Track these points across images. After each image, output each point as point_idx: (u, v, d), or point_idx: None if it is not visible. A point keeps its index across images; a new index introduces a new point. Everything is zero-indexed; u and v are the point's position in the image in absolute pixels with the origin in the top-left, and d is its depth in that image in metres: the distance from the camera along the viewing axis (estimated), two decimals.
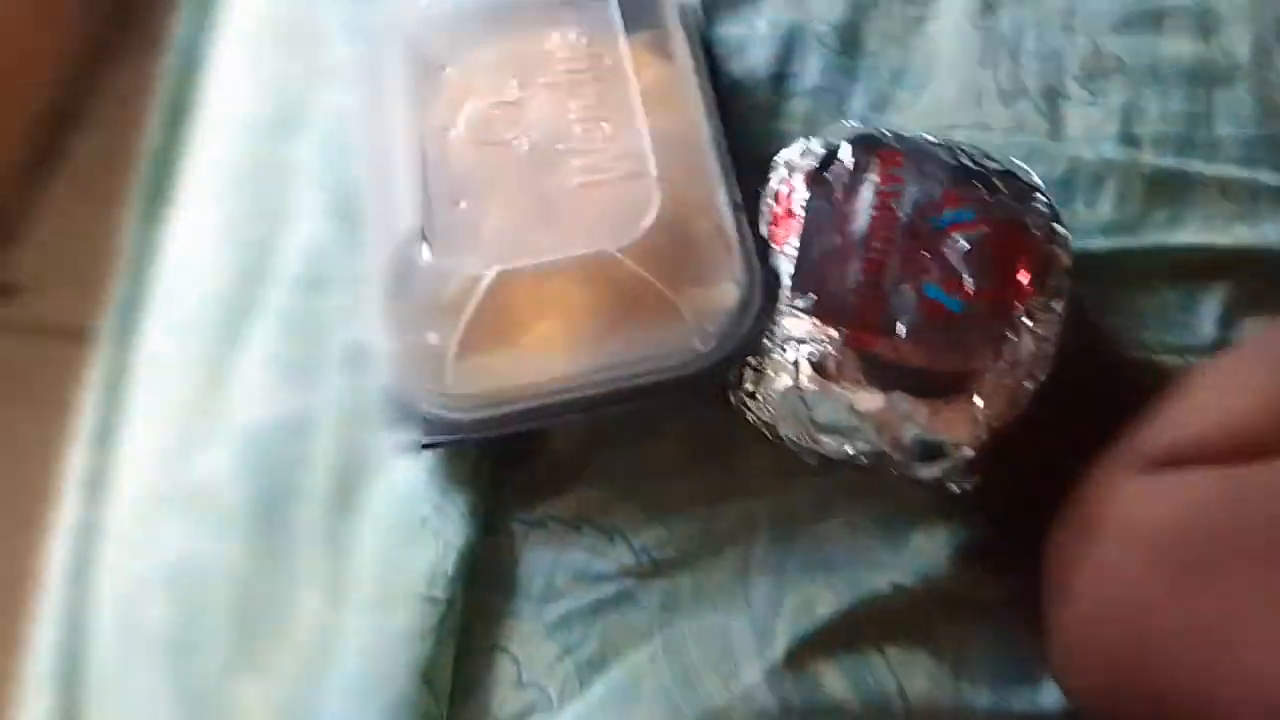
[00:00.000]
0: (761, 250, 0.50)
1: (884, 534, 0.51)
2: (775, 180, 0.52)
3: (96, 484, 0.58)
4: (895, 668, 0.48)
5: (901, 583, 0.50)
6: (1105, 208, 0.57)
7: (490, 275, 0.47)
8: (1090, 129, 0.59)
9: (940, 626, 0.50)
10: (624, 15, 0.55)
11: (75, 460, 0.60)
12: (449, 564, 0.50)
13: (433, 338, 0.48)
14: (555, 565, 0.51)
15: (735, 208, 0.51)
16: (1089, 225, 0.56)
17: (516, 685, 0.49)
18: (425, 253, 0.49)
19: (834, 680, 0.48)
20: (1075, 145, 0.59)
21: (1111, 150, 0.58)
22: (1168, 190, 0.58)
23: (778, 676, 0.48)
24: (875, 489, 0.52)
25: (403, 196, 0.51)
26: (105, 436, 0.60)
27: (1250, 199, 0.57)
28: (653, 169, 0.50)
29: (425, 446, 0.50)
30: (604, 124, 0.52)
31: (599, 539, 0.51)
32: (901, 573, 0.50)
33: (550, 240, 0.49)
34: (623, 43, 0.54)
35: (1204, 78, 0.60)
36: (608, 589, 0.50)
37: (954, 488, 0.50)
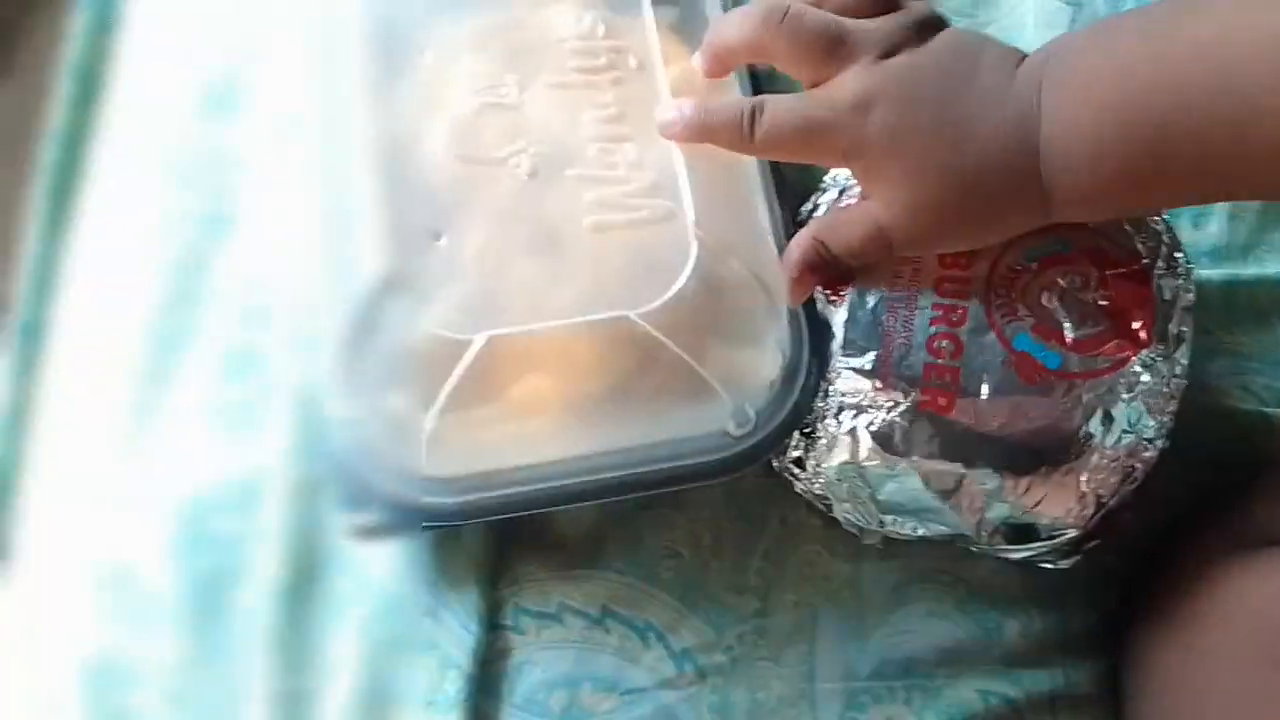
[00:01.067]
0: (809, 301, 0.41)
1: (970, 625, 0.43)
2: (823, 204, 0.42)
3: None
4: None
5: (995, 690, 0.42)
6: (1214, 229, 0.48)
7: (480, 342, 0.37)
8: None
9: None
10: None
11: None
12: (449, 683, 0.41)
13: (405, 409, 0.38)
14: (577, 674, 0.42)
15: (780, 247, 0.41)
16: (1194, 250, 0.47)
17: None
18: (397, 307, 0.38)
19: None
20: None
21: None
22: None
23: None
24: (956, 569, 0.43)
25: (365, 225, 0.40)
26: (4, 494, 0.50)
27: None
28: (689, 209, 0.39)
29: (386, 534, 0.40)
30: (627, 144, 0.41)
31: (629, 639, 0.42)
32: (995, 678, 0.42)
33: (555, 293, 0.39)
34: (651, 29, 0.43)
35: None
36: (644, 708, 0.41)
37: (1049, 566, 0.41)
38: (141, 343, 0.49)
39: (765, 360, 0.39)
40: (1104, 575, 0.43)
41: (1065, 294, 0.38)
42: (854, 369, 0.38)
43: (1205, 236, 0.48)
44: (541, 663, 0.42)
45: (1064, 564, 0.41)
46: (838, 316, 0.39)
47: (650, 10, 0.43)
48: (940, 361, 0.38)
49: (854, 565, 0.43)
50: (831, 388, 0.39)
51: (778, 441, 0.39)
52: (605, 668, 0.42)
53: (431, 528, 0.41)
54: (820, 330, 0.40)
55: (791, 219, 0.42)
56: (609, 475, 0.39)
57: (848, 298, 0.39)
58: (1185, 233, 0.47)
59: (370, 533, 0.40)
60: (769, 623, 0.43)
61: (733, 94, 0.44)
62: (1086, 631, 0.44)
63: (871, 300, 0.39)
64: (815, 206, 0.43)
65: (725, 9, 0.45)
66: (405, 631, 0.43)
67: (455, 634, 0.42)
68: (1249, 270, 0.47)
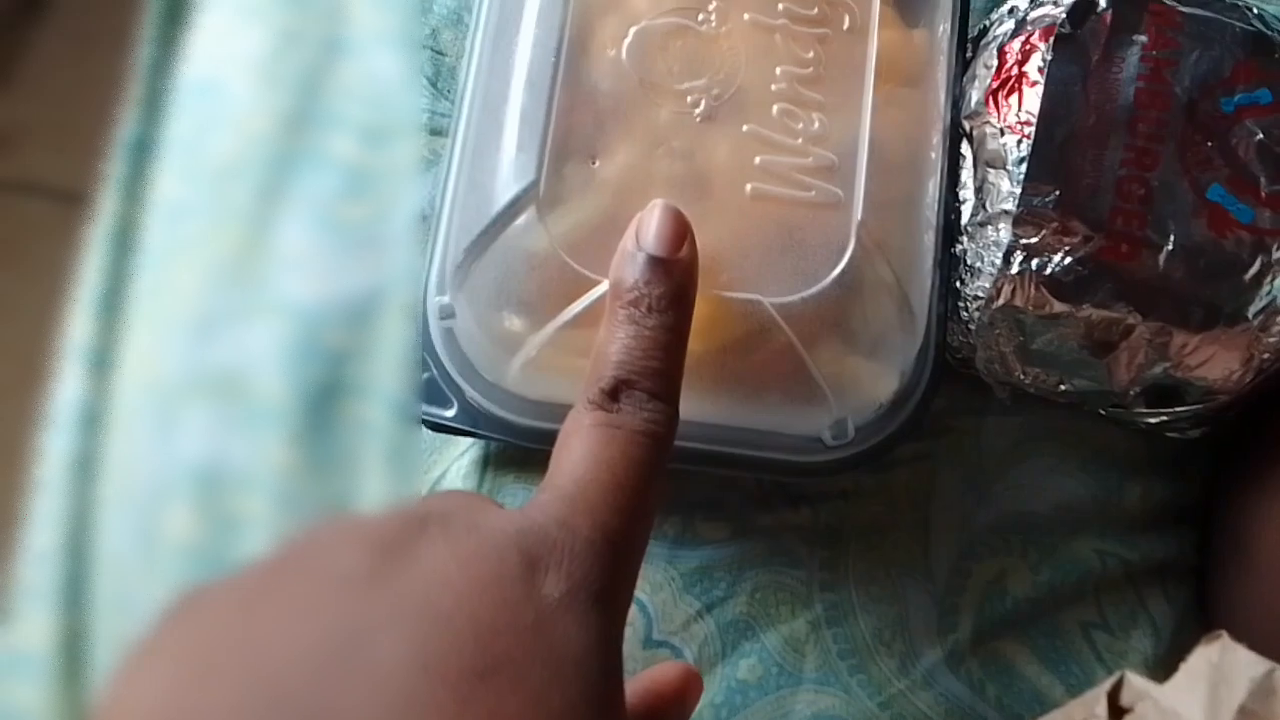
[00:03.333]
0: (942, 325, 0.38)
1: (1091, 487, 0.42)
2: (999, 35, 0.40)
3: (102, 360, 0.48)
4: (1104, 655, 0.40)
5: (1111, 551, 0.41)
6: None
7: (603, 287, 0.34)
8: None
9: (1155, 605, 0.41)
10: None
11: (75, 329, 0.49)
12: None
13: (512, 324, 0.36)
14: (691, 502, 0.42)
15: (937, 265, 0.38)
16: None
17: (645, 642, 0.40)
18: (533, 222, 0.36)
19: (1032, 669, 0.41)
20: None
21: None
22: None
23: (961, 659, 0.40)
24: (1081, 430, 0.43)
25: (522, 125, 0.37)
26: (113, 303, 0.49)
27: None
28: (858, 206, 0.36)
29: (462, 433, 0.39)
30: (814, 114, 0.37)
31: (744, 479, 0.42)
32: (1112, 539, 0.42)
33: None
34: None
35: None
36: (760, 541, 0.41)
37: (1176, 435, 0.41)
38: (256, 157, 0.47)
39: (884, 379, 0.38)
40: (1226, 452, 0.43)
41: (1263, 146, 0.36)
42: (1033, 207, 0.37)
43: None
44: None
45: (1193, 434, 0.41)
46: (1019, 149, 0.37)
47: None
48: (1128, 206, 0.36)
49: (977, 419, 0.43)
50: (1002, 224, 0.37)
51: (865, 461, 0.38)
52: (720, 500, 0.42)
53: (502, 442, 0.40)
54: (944, 369, 0.38)
55: (951, 243, 0.39)
56: (690, 444, 0.37)
57: (1034, 130, 0.37)
58: None
59: (443, 429, 0.39)
60: (887, 473, 0.42)
61: (938, 86, 0.40)
62: (1203, 504, 0.43)
63: (1059, 135, 0.37)
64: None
65: None
66: (523, 450, 0.42)
67: None
68: None
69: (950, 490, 0.43)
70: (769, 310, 0.35)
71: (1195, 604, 0.42)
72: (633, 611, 0.41)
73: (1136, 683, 0.32)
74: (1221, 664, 0.31)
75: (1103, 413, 0.41)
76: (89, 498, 0.46)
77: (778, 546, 0.42)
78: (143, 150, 0.50)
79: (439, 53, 0.47)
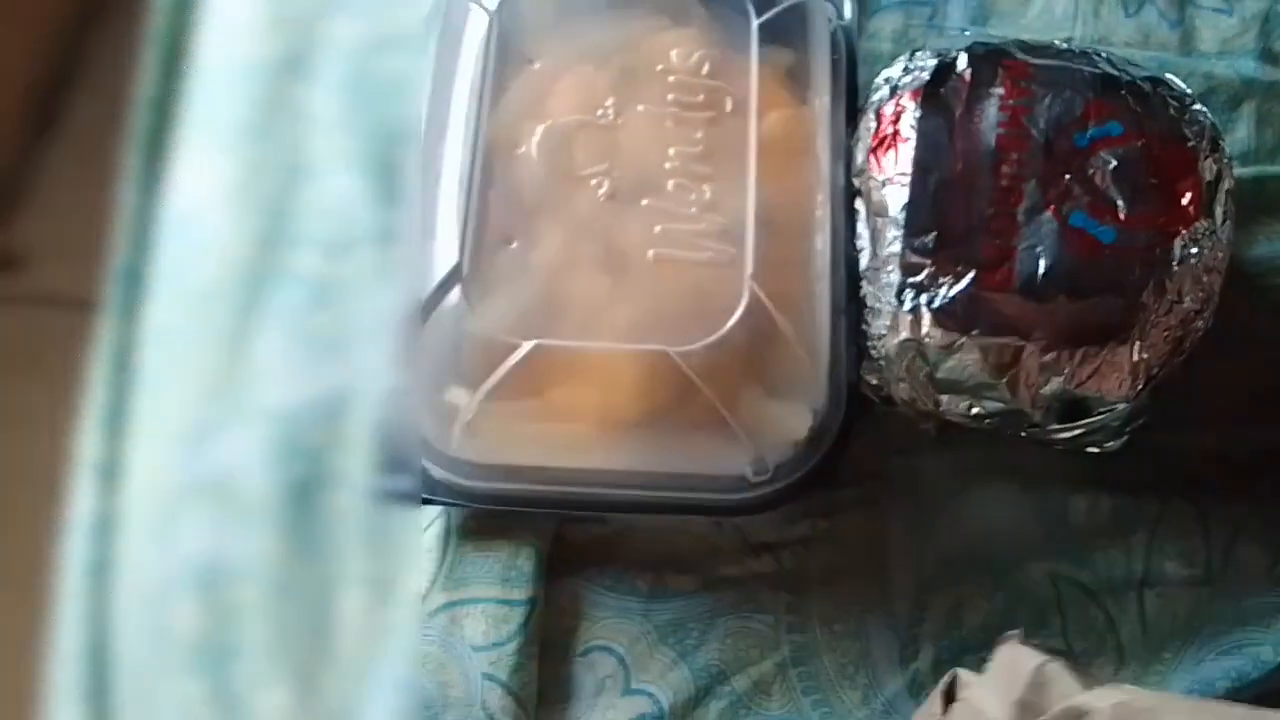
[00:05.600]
0: (853, 367, 0.42)
1: (1035, 510, 0.45)
2: (875, 100, 0.44)
3: (111, 471, 0.52)
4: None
5: (1063, 573, 0.44)
6: (1242, 133, 0.50)
7: (526, 348, 0.39)
8: (1225, 41, 0.52)
9: (1125, 624, 0.43)
10: (763, 32, 0.44)
11: (86, 445, 0.54)
12: (525, 559, 0.44)
13: (450, 393, 0.41)
14: (661, 555, 0.44)
15: (835, 311, 0.42)
16: None
17: (624, 690, 0.43)
18: (458, 297, 0.40)
19: None
20: (1209, 60, 0.51)
21: (1250, 67, 0.51)
22: None
23: (922, 686, 0.42)
24: (1012, 457, 0.45)
25: (446, 218, 0.42)
26: (116, 418, 0.53)
27: None
28: (749, 261, 0.40)
29: (419, 502, 0.43)
30: (705, 185, 0.42)
31: (710, 528, 0.45)
32: (1062, 559, 0.44)
33: (608, 313, 0.40)
34: (754, 77, 0.43)
35: None
36: (727, 590, 0.44)
37: (1095, 449, 0.43)
38: (234, 279, 0.52)
39: (796, 418, 0.41)
40: (1158, 455, 0.45)
41: (1116, 172, 0.40)
42: (915, 249, 0.40)
43: (1235, 141, 0.49)
44: (624, 547, 0.45)
45: (1111, 445, 0.43)
46: (899, 198, 0.41)
47: (756, 53, 0.44)
48: (998, 241, 0.40)
49: (912, 458, 0.46)
50: (892, 267, 0.41)
51: (792, 496, 0.41)
52: (686, 552, 0.45)
53: (451, 504, 0.44)
54: (855, 403, 0.41)
55: (854, 294, 0.42)
56: (624, 492, 0.41)
57: (909, 180, 0.41)
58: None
59: (401, 498, 0.43)
60: (838, 516, 0.45)
61: (824, 151, 0.44)
62: (1162, 512, 0.45)
63: (932, 183, 0.41)
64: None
65: (836, 63, 0.46)
66: (484, 523, 0.45)
67: (535, 524, 0.44)
68: (1277, 167, 0.49)
69: (899, 529, 0.45)
70: (674, 359, 0.38)
71: (1171, 617, 0.44)
72: (612, 663, 0.43)
73: (964, 676, 0.35)
74: (1010, 660, 0.34)
75: (1024, 435, 0.43)
76: (106, 600, 0.49)
77: (745, 594, 0.44)
78: (133, 278, 0.55)
79: (391, 167, 0.52)
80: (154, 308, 0.54)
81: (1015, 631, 0.37)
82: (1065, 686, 0.34)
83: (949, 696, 0.35)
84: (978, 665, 0.42)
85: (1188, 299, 0.39)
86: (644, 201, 0.41)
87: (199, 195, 0.55)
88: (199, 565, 0.48)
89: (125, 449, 0.52)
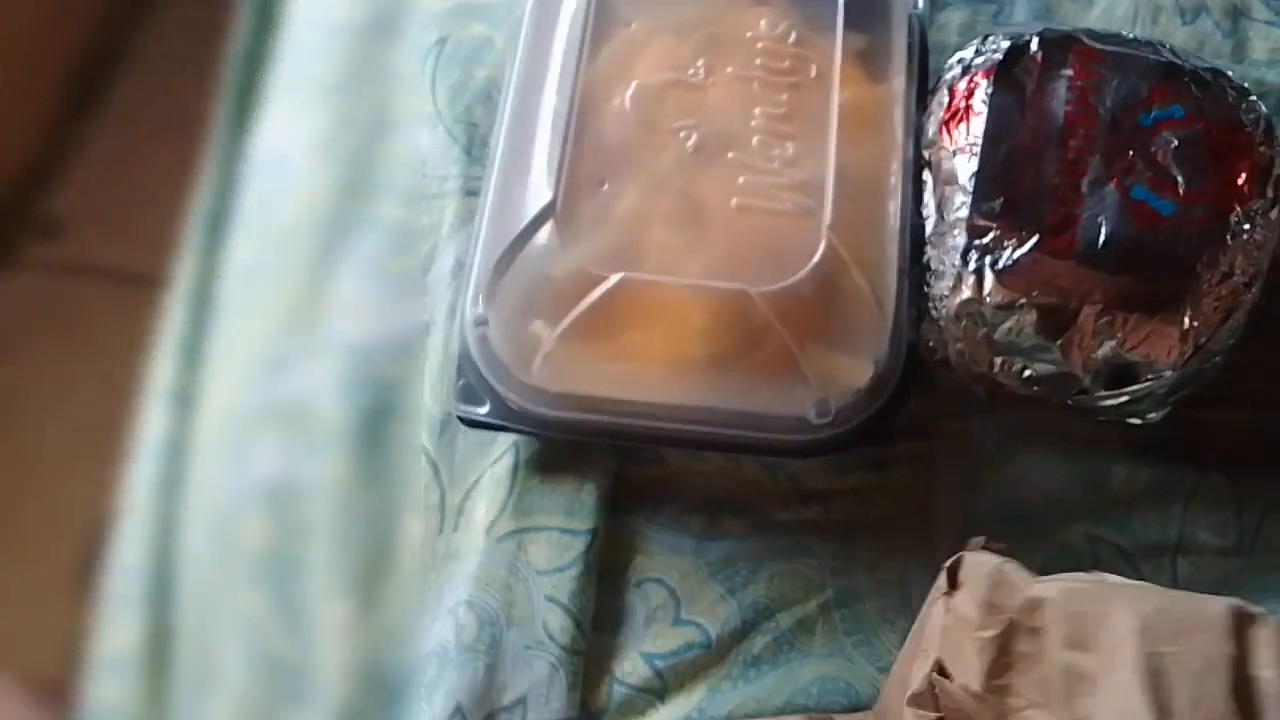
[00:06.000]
0: (913, 327, 0.44)
1: (1078, 476, 0.47)
2: (948, 78, 0.47)
3: (185, 397, 0.55)
4: None
5: (1103, 537, 0.46)
6: None
7: (613, 281, 0.41)
8: (1275, 51, 0.54)
9: (1149, 579, 0.45)
10: (847, 11, 0.47)
11: (160, 372, 0.56)
12: (588, 492, 0.46)
13: (534, 325, 0.43)
14: (716, 498, 0.46)
15: (901, 273, 0.44)
16: None
17: (674, 622, 0.45)
18: (549, 234, 0.43)
19: None
20: (1260, 68, 0.54)
21: None
22: None
23: None
24: (1059, 425, 0.47)
25: (542, 159, 0.44)
26: (192, 349, 0.56)
27: None
28: (827, 212, 0.43)
29: (494, 428, 0.45)
30: (788, 143, 0.44)
31: (762, 474, 0.47)
32: (1102, 524, 0.46)
33: (689, 257, 0.43)
34: (838, 49, 0.46)
35: None
36: (778, 535, 0.46)
37: (1138, 420, 0.45)
38: (316, 222, 0.55)
39: (859, 367, 0.43)
40: (1197, 430, 0.47)
41: (1177, 151, 0.42)
42: (983, 213, 0.43)
43: None
44: (681, 485, 0.47)
45: (1153, 416, 0.45)
46: (969, 166, 0.43)
47: (841, 31, 0.47)
48: (1063, 209, 0.42)
49: (964, 420, 0.48)
50: (958, 230, 0.43)
51: (849, 442, 0.43)
52: (743, 497, 0.47)
53: (527, 433, 0.46)
54: (914, 361, 0.44)
55: (917, 259, 0.45)
56: (690, 428, 0.43)
57: (979, 149, 0.43)
58: None
59: (475, 423, 0.45)
60: (889, 472, 0.47)
61: (897, 127, 0.46)
62: (1198, 485, 0.47)
63: (1002, 152, 0.43)
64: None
65: (911, 47, 0.49)
66: (549, 457, 0.47)
67: (594, 451, 0.46)
68: None
69: (947, 486, 0.47)
70: (753, 298, 0.41)
71: (1202, 582, 0.45)
72: (664, 595, 0.45)
73: (968, 559, 0.38)
74: (972, 565, 0.36)
75: (1070, 403, 0.45)
76: (173, 517, 0.52)
77: (794, 539, 0.46)
78: (217, 220, 0.57)
79: (473, 125, 0.54)
80: (236, 246, 0.57)
81: (978, 539, 0.39)
82: (1021, 582, 0.37)
83: (952, 578, 0.38)
84: None
85: (1238, 273, 0.41)
86: (729, 154, 0.44)
87: (286, 144, 0.58)
88: (269, 485, 0.50)
89: (201, 376, 0.55)
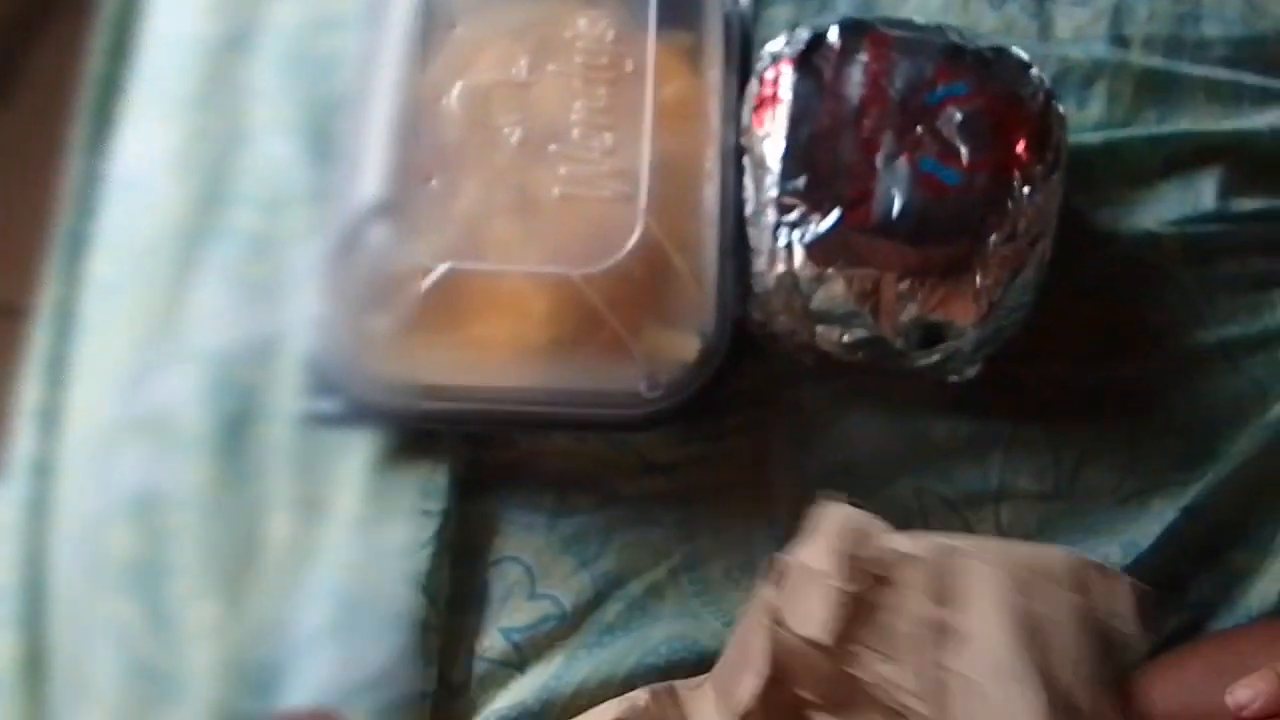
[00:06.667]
0: (740, 300, 0.47)
1: (902, 434, 0.50)
2: (759, 69, 0.50)
3: (49, 417, 0.55)
4: None
5: (928, 488, 0.49)
6: (1095, 108, 0.56)
7: (442, 269, 0.44)
8: (1079, 29, 0.58)
9: (984, 532, 0.48)
10: (662, 12, 0.50)
11: (26, 395, 0.57)
12: (441, 475, 0.48)
13: (373, 320, 0.45)
14: (566, 476, 0.49)
15: (723, 253, 0.47)
16: (1080, 125, 0.55)
17: (530, 596, 0.47)
18: (382, 229, 0.45)
19: None
20: (1065, 46, 0.57)
21: (1101, 51, 0.57)
22: (1156, 91, 0.57)
23: None
24: (883, 387, 0.50)
25: (374, 159, 0.47)
26: (56, 369, 0.56)
27: (1234, 99, 0.57)
28: (643, 197, 0.45)
29: (345, 424, 0.47)
30: (606, 134, 0.47)
31: (608, 450, 0.49)
32: (925, 475, 0.49)
33: (523, 247, 0.45)
34: (651, 46, 0.49)
35: None
36: (625, 507, 0.48)
37: (955, 378, 0.48)
38: (174, 236, 0.56)
39: (686, 343, 0.46)
40: (1012, 385, 0.50)
41: (961, 125, 0.45)
42: (789, 191, 0.45)
43: (1089, 115, 0.55)
44: (531, 468, 0.49)
45: (970, 372, 0.48)
46: (777, 149, 0.46)
47: (654, 29, 0.49)
48: (860, 184, 0.45)
49: (794, 389, 0.50)
50: (770, 209, 0.46)
51: (682, 413, 0.46)
52: (589, 473, 0.49)
53: (374, 425, 0.48)
54: (741, 335, 0.47)
55: (741, 235, 0.47)
56: (533, 409, 0.46)
57: (784, 133, 0.46)
58: (1071, 112, 0.54)
59: (328, 420, 0.47)
60: (725, 439, 0.50)
61: (714, 116, 0.49)
62: (1015, 435, 0.50)
63: (803, 135, 0.46)
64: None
65: (731, 41, 0.52)
66: (404, 445, 0.49)
67: (447, 439, 0.48)
68: (1129, 134, 0.55)
69: (781, 451, 0.50)
70: (576, 281, 0.43)
71: (1024, 527, 0.48)
72: (519, 571, 0.47)
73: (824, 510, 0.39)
74: (829, 517, 0.39)
75: (890, 366, 0.48)
76: (43, 534, 0.52)
77: (640, 510, 0.49)
78: (77, 241, 0.58)
79: (323, 133, 0.56)
80: (96, 264, 0.58)
81: (836, 494, 0.41)
82: (878, 535, 0.39)
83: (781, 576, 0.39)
84: None
85: (1023, 233, 0.45)
86: (552, 148, 0.47)
87: (143, 161, 0.59)
88: (134, 494, 0.51)
89: (66, 394, 0.56)
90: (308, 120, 0.57)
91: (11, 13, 1.20)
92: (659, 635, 0.46)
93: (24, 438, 0.55)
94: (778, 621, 0.39)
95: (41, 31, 1.18)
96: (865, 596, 0.39)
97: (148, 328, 0.55)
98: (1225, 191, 0.54)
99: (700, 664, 0.46)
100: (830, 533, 0.39)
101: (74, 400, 0.55)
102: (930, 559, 0.39)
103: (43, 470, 0.54)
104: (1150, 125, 0.55)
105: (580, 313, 0.44)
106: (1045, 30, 0.58)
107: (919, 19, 0.51)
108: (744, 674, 0.39)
